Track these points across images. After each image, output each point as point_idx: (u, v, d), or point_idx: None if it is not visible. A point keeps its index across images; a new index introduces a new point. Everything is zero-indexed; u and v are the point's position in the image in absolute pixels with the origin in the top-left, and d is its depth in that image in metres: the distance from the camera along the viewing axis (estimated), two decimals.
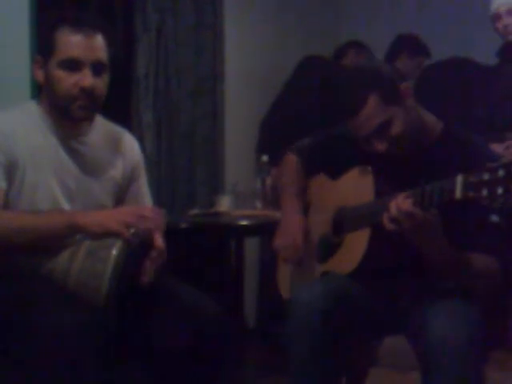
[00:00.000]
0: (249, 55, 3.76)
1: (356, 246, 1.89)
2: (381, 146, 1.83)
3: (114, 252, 1.74)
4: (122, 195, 2.00)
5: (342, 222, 1.98)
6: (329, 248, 2.01)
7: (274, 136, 3.60)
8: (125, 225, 1.76)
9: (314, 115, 3.52)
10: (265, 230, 2.85)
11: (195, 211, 3.00)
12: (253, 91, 3.77)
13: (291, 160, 2.21)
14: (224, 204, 3.04)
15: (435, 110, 1.95)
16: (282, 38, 3.94)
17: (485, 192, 1.50)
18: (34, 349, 1.63)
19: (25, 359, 1.66)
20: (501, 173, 1.48)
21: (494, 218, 1.73)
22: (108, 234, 1.77)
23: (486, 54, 3.16)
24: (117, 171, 1.98)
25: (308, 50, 3.81)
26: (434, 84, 3.21)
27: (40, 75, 1.88)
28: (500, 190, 1.47)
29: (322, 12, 4.17)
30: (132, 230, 1.78)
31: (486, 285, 1.81)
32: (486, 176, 1.50)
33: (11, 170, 1.82)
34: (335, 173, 2.04)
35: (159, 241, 1.85)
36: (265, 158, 3.18)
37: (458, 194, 1.55)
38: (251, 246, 3.52)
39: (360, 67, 1.98)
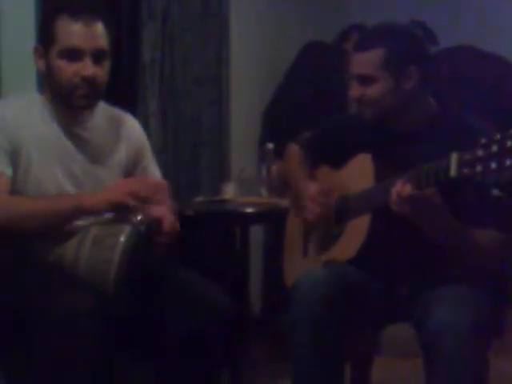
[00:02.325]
0: (254, 42, 3.74)
1: (356, 232, 1.89)
2: (352, 93, 1.90)
3: (122, 239, 1.75)
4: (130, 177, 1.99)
5: (344, 211, 1.98)
6: (331, 237, 2.01)
7: (277, 126, 3.59)
8: (129, 194, 1.76)
9: (315, 102, 3.51)
10: (270, 217, 2.85)
11: (200, 199, 3.00)
12: (258, 78, 3.76)
13: (294, 150, 2.22)
14: (229, 191, 3.04)
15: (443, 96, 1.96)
16: (287, 24, 3.92)
17: (479, 168, 1.52)
18: (44, 334, 1.64)
19: (35, 345, 1.67)
20: (494, 148, 1.50)
21: (495, 192, 1.74)
22: (113, 208, 1.76)
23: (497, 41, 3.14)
24: (121, 155, 1.98)
25: (314, 36, 3.79)
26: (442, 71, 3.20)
27: (41, 65, 1.88)
28: (494, 165, 1.49)
29: None
30: (139, 217, 1.78)
31: (493, 260, 1.81)
32: (479, 152, 1.52)
33: (16, 158, 1.83)
34: (337, 163, 2.04)
35: (167, 225, 1.84)
36: (270, 145, 3.17)
37: (453, 172, 1.57)
38: (256, 233, 3.52)
39: (386, 23, 1.97)
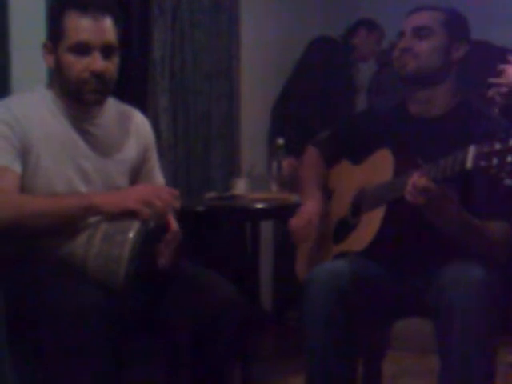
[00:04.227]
0: (264, 37, 3.73)
1: (370, 224, 1.89)
2: (402, 44, 1.92)
3: (131, 235, 1.75)
4: (135, 175, 2.00)
5: (361, 203, 1.98)
6: (346, 229, 2.01)
7: (286, 121, 3.59)
8: (142, 203, 1.76)
9: (322, 97, 3.51)
10: (280, 213, 2.85)
11: (211, 194, 3.00)
12: (269, 73, 3.75)
13: (311, 153, 2.22)
14: (240, 187, 3.05)
15: None
16: (298, 19, 3.91)
17: (495, 161, 1.53)
18: (52, 330, 1.64)
19: (43, 340, 1.67)
20: (511, 142, 1.51)
21: (508, 182, 1.73)
22: (125, 213, 1.77)
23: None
24: (131, 151, 1.98)
25: (325, 30, 3.78)
26: None
27: (50, 60, 1.88)
28: (510, 158, 1.51)
29: None
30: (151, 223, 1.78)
31: (504, 252, 1.82)
32: (497, 146, 1.54)
33: (25, 155, 1.82)
34: (357, 157, 2.05)
35: (174, 224, 1.85)
36: (280, 141, 3.17)
37: (469, 164, 1.58)
38: (266, 229, 3.52)
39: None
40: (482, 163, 1.55)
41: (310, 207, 2.08)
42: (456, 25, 1.93)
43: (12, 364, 1.64)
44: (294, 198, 2.75)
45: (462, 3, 3.92)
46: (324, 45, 3.71)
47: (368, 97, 3.92)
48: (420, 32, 1.90)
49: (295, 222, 2.07)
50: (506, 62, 2.62)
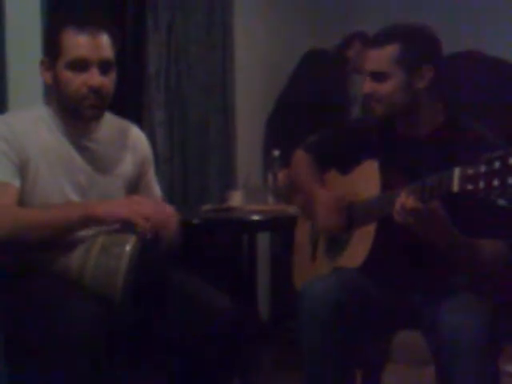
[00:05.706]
0: (259, 50, 3.76)
1: (362, 242, 1.90)
2: (364, 89, 1.91)
3: (128, 248, 1.76)
4: (132, 190, 2.01)
5: (351, 218, 1.98)
6: (339, 244, 2.02)
7: (281, 133, 3.61)
8: (140, 215, 1.77)
9: (316, 109, 3.53)
10: (277, 225, 2.86)
11: (207, 207, 3.01)
12: (263, 87, 3.77)
13: (302, 156, 2.21)
14: (236, 199, 3.05)
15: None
16: (292, 32, 3.94)
17: (482, 185, 1.50)
18: (50, 343, 1.65)
19: (40, 354, 1.67)
20: (497, 164, 1.49)
21: (501, 202, 1.74)
22: (120, 222, 1.78)
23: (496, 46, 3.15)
24: (127, 166, 1.99)
25: (319, 43, 3.80)
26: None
27: (48, 77, 1.90)
28: (496, 182, 1.48)
29: (332, 7, 4.16)
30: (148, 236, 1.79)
31: (497, 271, 1.82)
32: (482, 168, 1.51)
33: (23, 170, 1.84)
34: (345, 167, 2.05)
35: (173, 225, 1.86)
36: (276, 152, 3.19)
37: (456, 187, 1.57)
38: (263, 240, 3.53)
39: (403, 22, 1.97)
40: (469, 186, 1.53)
41: (325, 194, 2.03)
42: (414, 54, 1.86)
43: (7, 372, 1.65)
44: (290, 209, 2.76)
45: (453, 14, 3.97)
46: (317, 57, 3.73)
47: (362, 109, 3.94)
48: (378, 77, 1.88)
49: (324, 217, 2.02)
50: (499, 73, 2.64)
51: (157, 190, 2.09)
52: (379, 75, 1.87)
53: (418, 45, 1.87)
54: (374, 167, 1.92)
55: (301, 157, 2.22)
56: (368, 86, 1.90)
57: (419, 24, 1.91)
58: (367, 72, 1.90)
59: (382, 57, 1.87)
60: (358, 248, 1.91)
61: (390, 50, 1.85)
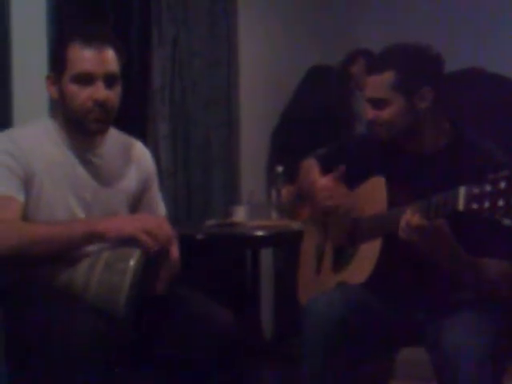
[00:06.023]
0: (263, 65, 3.77)
1: (367, 257, 1.89)
2: (366, 116, 1.93)
3: (132, 263, 1.75)
4: (135, 205, 2.01)
5: (356, 234, 1.98)
6: (344, 258, 2.02)
7: (285, 149, 3.61)
8: (145, 232, 1.77)
9: (320, 125, 3.53)
10: (280, 240, 2.85)
11: (211, 222, 3.00)
12: (268, 101, 3.78)
13: (311, 164, 2.19)
14: (240, 214, 3.05)
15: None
16: (296, 47, 3.95)
17: (487, 204, 1.50)
18: (51, 359, 1.65)
19: (41, 370, 1.67)
20: (502, 184, 1.49)
21: (507, 222, 1.73)
22: (124, 238, 1.78)
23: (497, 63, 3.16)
24: (131, 182, 1.99)
25: (323, 59, 3.81)
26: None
27: (53, 91, 1.91)
28: (501, 202, 1.48)
29: (335, 21, 4.18)
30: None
31: (503, 290, 1.80)
32: (487, 188, 1.51)
33: (28, 184, 1.84)
34: (351, 182, 2.04)
35: (175, 251, 1.86)
36: (280, 168, 3.18)
37: (461, 206, 1.57)
38: (266, 256, 3.52)
39: (399, 44, 1.95)
40: (474, 206, 1.53)
41: (322, 180, 2.03)
42: (411, 79, 1.85)
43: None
44: (293, 225, 2.76)
45: (453, 31, 3.98)
46: (321, 73, 3.74)
47: (368, 125, 3.94)
48: (378, 104, 1.88)
49: (324, 198, 2.00)
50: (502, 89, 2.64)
51: (161, 207, 2.09)
52: (379, 102, 1.88)
53: (415, 68, 1.87)
54: (380, 184, 1.92)
55: (312, 164, 2.20)
56: (370, 112, 1.91)
57: (418, 44, 1.90)
58: (367, 99, 1.91)
59: (379, 84, 1.88)
60: (364, 263, 1.91)
61: (387, 77, 1.86)
